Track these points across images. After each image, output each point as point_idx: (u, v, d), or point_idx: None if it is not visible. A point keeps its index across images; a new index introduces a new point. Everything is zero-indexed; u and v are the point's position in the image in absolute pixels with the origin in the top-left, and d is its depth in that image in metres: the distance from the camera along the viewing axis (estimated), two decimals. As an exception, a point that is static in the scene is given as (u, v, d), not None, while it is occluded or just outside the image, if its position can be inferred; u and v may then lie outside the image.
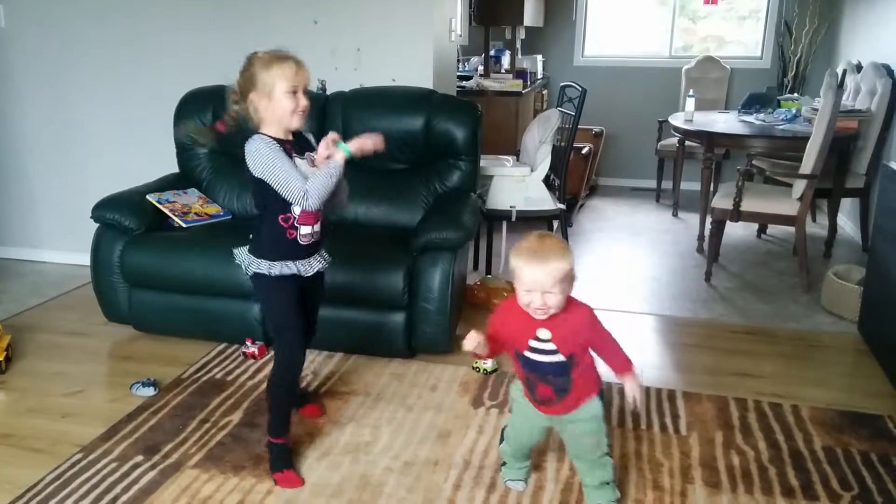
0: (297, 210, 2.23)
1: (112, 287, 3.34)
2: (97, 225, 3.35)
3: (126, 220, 3.28)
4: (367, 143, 2.21)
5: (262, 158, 2.14)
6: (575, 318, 2.03)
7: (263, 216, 2.27)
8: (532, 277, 1.92)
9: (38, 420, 2.72)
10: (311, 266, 2.33)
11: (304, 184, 2.15)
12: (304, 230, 2.27)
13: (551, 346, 2.01)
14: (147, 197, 3.43)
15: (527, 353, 2.05)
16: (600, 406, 2.14)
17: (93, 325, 3.52)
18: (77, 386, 2.98)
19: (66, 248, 4.38)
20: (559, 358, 2.03)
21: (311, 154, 2.27)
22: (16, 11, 4.18)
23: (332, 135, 2.24)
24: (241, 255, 2.33)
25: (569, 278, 1.94)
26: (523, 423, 2.24)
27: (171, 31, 4.05)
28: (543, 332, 2.01)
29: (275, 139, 2.17)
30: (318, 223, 2.31)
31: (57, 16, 4.14)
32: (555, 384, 2.07)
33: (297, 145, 2.25)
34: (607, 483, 2.19)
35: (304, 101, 2.17)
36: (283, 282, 2.28)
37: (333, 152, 2.20)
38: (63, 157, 4.35)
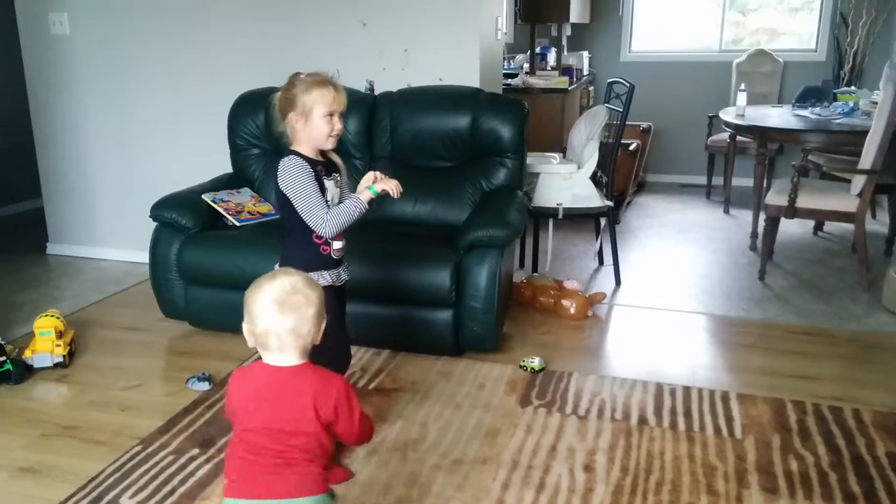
0: None
1: (169, 284, 3.43)
2: (155, 224, 3.44)
3: (183, 219, 3.36)
4: (389, 185, 2.32)
5: (293, 181, 2.25)
6: None
7: (293, 233, 2.35)
8: None
9: (99, 413, 2.81)
10: (339, 277, 2.41)
11: (326, 214, 2.25)
12: (337, 245, 2.36)
13: None
14: (202, 196, 3.51)
15: None
16: None
17: (151, 320, 3.61)
18: (136, 380, 3.06)
19: (126, 246, 4.50)
20: None
21: (337, 175, 2.37)
22: (80, 19, 4.31)
23: (375, 174, 2.34)
24: None
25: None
26: None
27: (224, 34, 4.14)
28: None
29: (308, 159, 2.27)
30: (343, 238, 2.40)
31: (118, 23, 4.26)
32: None
33: (325, 165, 2.34)
34: None
35: (338, 125, 2.27)
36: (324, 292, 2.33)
37: (368, 194, 2.31)
38: (123, 158, 4.47)
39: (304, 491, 1.63)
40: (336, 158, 2.42)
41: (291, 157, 2.26)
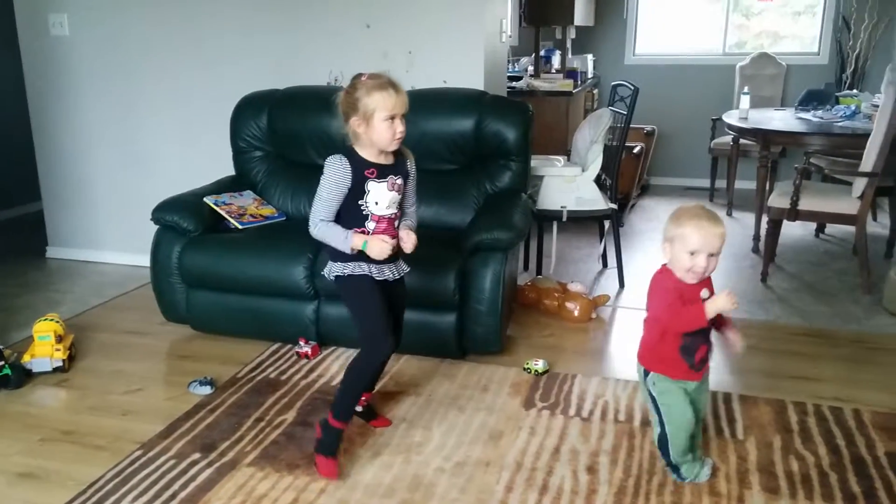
0: (370, 226, 2.35)
1: (170, 287, 3.42)
2: (156, 227, 3.43)
3: (184, 222, 3.36)
4: (383, 249, 2.32)
5: (324, 177, 2.32)
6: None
7: (338, 222, 2.37)
8: (703, 239, 2.09)
9: (100, 417, 2.79)
10: (382, 272, 2.39)
11: (321, 221, 2.33)
12: None
13: None
14: (204, 199, 3.51)
15: None
16: None
17: (152, 324, 3.60)
18: (137, 384, 3.05)
19: (127, 249, 4.50)
20: None
21: (395, 178, 2.36)
22: (79, 20, 4.31)
23: (407, 233, 2.40)
24: (326, 267, 2.46)
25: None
26: (683, 404, 2.23)
27: (227, 36, 4.14)
28: (704, 292, 2.18)
29: (362, 161, 2.31)
30: (395, 238, 2.39)
31: (118, 24, 4.26)
32: (709, 341, 2.26)
33: (385, 167, 2.35)
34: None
35: (400, 127, 2.28)
36: (362, 280, 2.37)
37: (360, 239, 2.33)
38: (124, 160, 4.47)
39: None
40: (407, 157, 2.43)
41: (338, 155, 2.32)
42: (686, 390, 2.25)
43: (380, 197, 2.34)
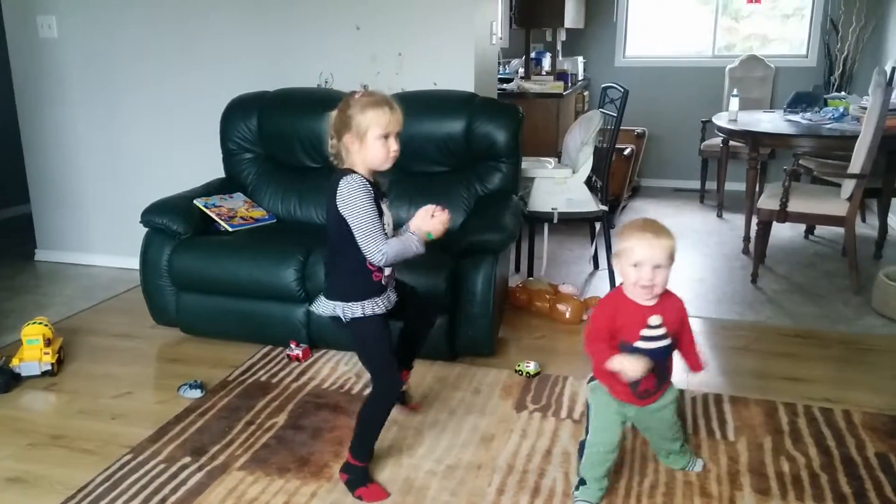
0: None
1: (160, 290, 3.41)
2: (146, 229, 3.42)
3: (174, 224, 3.34)
4: (441, 223, 2.27)
5: (356, 203, 2.16)
6: (674, 300, 2.15)
7: (343, 258, 2.26)
8: (644, 251, 2.02)
9: (89, 421, 2.78)
10: (390, 300, 2.34)
11: (384, 245, 2.17)
12: (388, 271, 2.31)
13: (661, 332, 2.09)
14: (194, 201, 3.49)
15: (638, 344, 2.08)
16: (675, 388, 2.26)
17: (141, 327, 3.58)
18: (126, 388, 3.03)
19: (117, 252, 4.47)
20: (667, 342, 2.11)
21: (385, 197, 2.31)
22: (68, 22, 4.29)
23: (432, 207, 2.28)
24: (323, 304, 2.32)
25: (673, 257, 2.05)
26: (611, 427, 2.18)
27: (217, 38, 4.12)
28: (655, 319, 2.08)
29: (367, 180, 2.20)
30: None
31: (107, 25, 4.24)
32: (659, 372, 2.13)
33: (377, 186, 2.27)
34: (685, 451, 2.39)
35: (394, 146, 2.20)
36: (376, 321, 2.29)
37: (422, 232, 2.26)
38: (113, 162, 4.44)
39: None
40: (381, 179, 2.34)
41: (355, 176, 2.17)
42: (625, 413, 2.20)
43: (388, 217, 2.28)
